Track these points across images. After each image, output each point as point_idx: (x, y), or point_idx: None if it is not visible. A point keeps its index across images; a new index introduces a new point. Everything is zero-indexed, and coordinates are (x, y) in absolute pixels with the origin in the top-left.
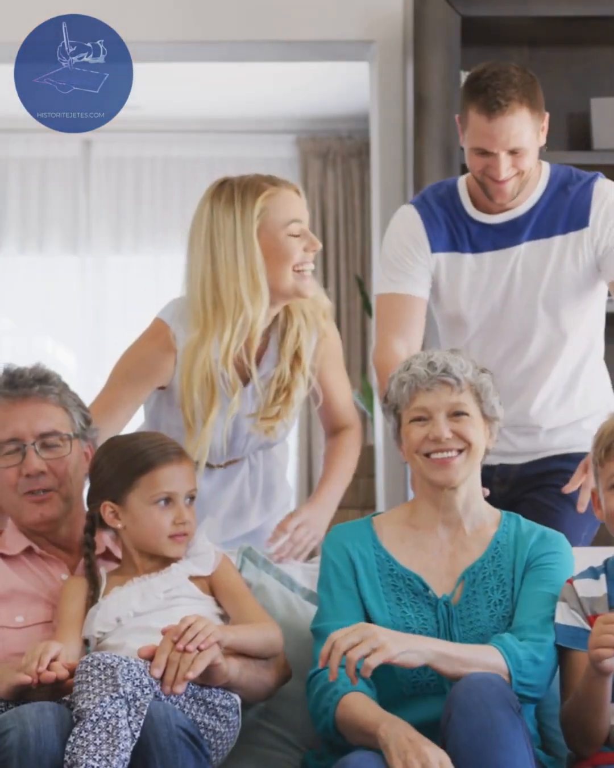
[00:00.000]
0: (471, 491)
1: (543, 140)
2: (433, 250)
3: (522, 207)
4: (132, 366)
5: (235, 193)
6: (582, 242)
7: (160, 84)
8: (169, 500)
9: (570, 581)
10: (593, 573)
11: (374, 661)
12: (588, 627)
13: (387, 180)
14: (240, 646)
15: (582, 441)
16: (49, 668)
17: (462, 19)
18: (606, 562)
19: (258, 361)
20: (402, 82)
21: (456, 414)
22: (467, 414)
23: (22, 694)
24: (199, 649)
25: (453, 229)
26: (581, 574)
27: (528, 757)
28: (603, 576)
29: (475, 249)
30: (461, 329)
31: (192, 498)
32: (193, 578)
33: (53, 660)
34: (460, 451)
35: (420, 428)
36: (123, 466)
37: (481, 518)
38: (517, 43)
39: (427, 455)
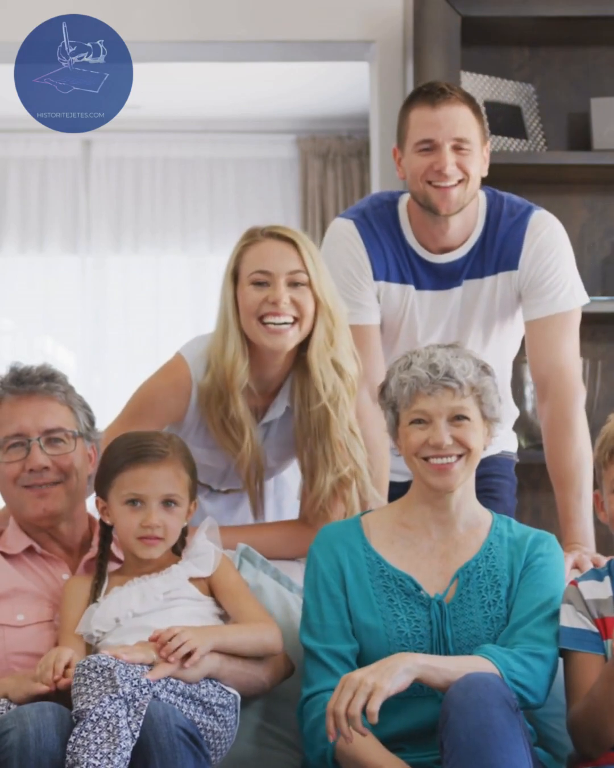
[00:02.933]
0: (466, 491)
1: (485, 171)
2: (376, 277)
3: (463, 248)
4: (145, 402)
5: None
6: (511, 281)
7: (160, 84)
8: (138, 502)
9: (573, 583)
10: (597, 575)
11: (375, 706)
12: (595, 629)
13: (387, 180)
14: (228, 649)
15: (495, 444)
16: (64, 675)
17: (462, 19)
18: (609, 563)
19: (265, 408)
20: (402, 82)
21: (456, 418)
22: (468, 418)
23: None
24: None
25: (398, 257)
26: (584, 576)
27: (526, 756)
28: (607, 578)
29: (418, 285)
30: (391, 338)
31: (175, 502)
32: (192, 579)
33: (67, 666)
34: (460, 455)
35: (420, 432)
36: (105, 463)
37: (475, 518)
38: (517, 43)
39: (426, 459)
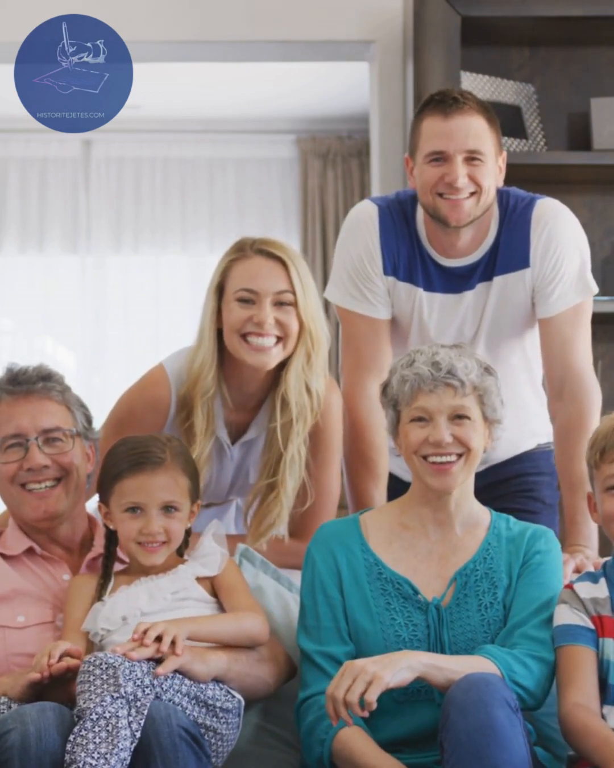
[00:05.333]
0: (464, 491)
1: (500, 182)
2: (385, 272)
3: (477, 253)
4: (123, 417)
5: (227, 249)
6: (524, 280)
7: (160, 84)
8: (138, 509)
9: (569, 586)
10: (592, 577)
11: (372, 696)
12: (591, 625)
13: (387, 180)
14: (203, 636)
15: (525, 441)
16: (60, 661)
17: (462, 19)
18: (604, 565)
19: (247, 425)
20: (402, 82)
21: (457, 417)
22: (468, 418)
23: (38, 695)
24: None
25: (410, 256)
26: (580, 578)
27: (527, 756)
28: (602, 580)
29: (428, 287)
30: (402, 339)
31: (174, 508)
32: (199, 579)
33: (66, 655)
34: (459, 455)
35: (420, 430)
36: (105, 470)
37: (473, 519)
38: (517, 43)
39: (425, 457)
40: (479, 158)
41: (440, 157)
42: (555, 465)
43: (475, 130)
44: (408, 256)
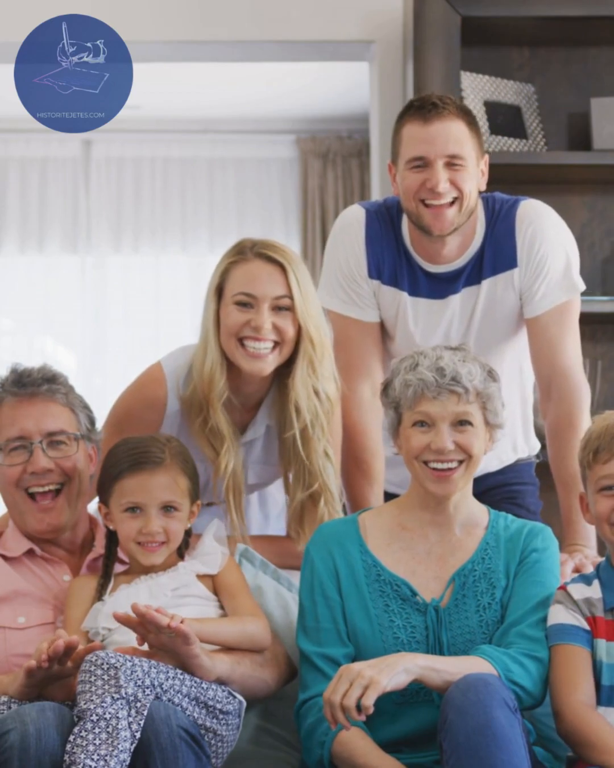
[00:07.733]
0: (463, 494)
1: (482, 185)
2: (370, 275)
3: (462, 259)
4: (121, 418)
5: (226, 250)
6: (512, 281)
7: (160, 84)
8: (137, 509)
9: (563, 587)
10: (585, 579)
11: (370, 700)
12: (586, 626)
13: (387, 180)
14: (206, 637)
15: (509, 454)
16: (55, 650)
17: (462, 19)
18: (597, 567)
19: (246, 425)
20: (402, 82)
21: (460, 423)
22: (471, 424)
23: (39, 692)
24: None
25: (395, 261)
26: (573, 580)
27: (526, 756)
28: (596, 582)
29: (413, 292)
30: (388, 342)
31: (174, 507)
32: (200, 578)
33: (67, 645)
34: (460, 462)
35: (422, 435)
36: (105, 471)
37: (472, 519)
38: (517, 43)
39: (426, 463)
40: (460, 163)
41: (421, 163)
42: (536, 473)
43: (455, 135)
44: (392, 260)
